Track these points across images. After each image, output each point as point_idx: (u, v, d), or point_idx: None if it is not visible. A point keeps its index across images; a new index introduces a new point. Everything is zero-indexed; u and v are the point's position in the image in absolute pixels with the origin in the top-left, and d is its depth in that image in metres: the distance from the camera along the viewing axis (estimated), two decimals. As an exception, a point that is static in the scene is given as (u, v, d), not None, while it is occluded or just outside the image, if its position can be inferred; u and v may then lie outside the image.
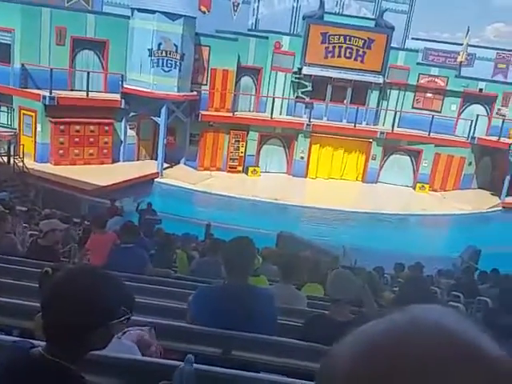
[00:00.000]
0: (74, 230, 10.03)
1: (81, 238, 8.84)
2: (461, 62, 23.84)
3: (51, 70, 18.02)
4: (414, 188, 23.79)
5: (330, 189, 22.60)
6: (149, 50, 19.30)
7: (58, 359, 1.45)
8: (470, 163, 23.78)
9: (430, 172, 23.72)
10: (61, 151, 18.65)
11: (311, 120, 22.97)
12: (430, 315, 0.55)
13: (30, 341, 1.60)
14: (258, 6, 26.44)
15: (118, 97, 19.72)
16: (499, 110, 23.68)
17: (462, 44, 24.93)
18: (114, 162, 20.05)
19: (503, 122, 22.68)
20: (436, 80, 24.05)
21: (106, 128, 19.57)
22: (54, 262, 5.53)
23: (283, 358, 2.80)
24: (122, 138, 20.47)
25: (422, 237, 19.12)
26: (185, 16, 19.41)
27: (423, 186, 23.56)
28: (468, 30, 24.99)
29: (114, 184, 17.24)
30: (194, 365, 1.87)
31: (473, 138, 23.12)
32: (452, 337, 0.52)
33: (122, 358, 2.24)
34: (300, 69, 23.38)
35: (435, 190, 23.67)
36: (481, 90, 23.77)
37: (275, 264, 6.98)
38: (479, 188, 24.16)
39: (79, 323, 1.45)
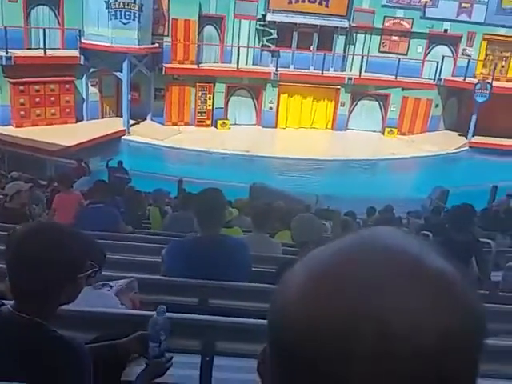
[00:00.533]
0: (42, 192, 9.83)
1: (48, 199, 8.69)
2: (425, 1, 23.61)
3: (5, 28, 17.17)
4: (383, 133, 23.96)
5: (300, 138, 22.60)
6: (105, 1, 18.45)
7: (28, 315, 1.43)
8: (436, 105, 23.99)
9: (397, 116, 23.87)
10: (22, 112, 17.99)
11: (278, 69, 22.60)
12: (378, 235, 0.55)
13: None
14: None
15: (76, 53, 18.94)
16: (464, 50, 23.75)
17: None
18: (77, 121, 19.44)
19: (468, 62, 22.84)
20: (401, 22, 23.84)
21: (67, 86, 18.87)
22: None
23: (258, 303, 2.85)
24: (84, 96, 19.79)
25: (392, 180, 19.44)
26: (141, -36, 18.56)
27: (391, 131, 23.76)
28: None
29: (79, 143, 16.84)
30: (170, 313, 1.88)
31: (439, 79, 23.21)
32: (398, 254, 0.52)
33: (95, 312, 2.24)
34: (264, 15, 22.79)
35: (403, 134, 23.90)
36: (446, 30, 23.71)
37: (248, 215, 7.02)
38: (446, 129, 24.47)
39: (45, 279, 1.42)
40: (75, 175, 10.40)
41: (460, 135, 23.53)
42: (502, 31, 23.34)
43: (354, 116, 24.19)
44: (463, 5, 24.91)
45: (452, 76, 23.47)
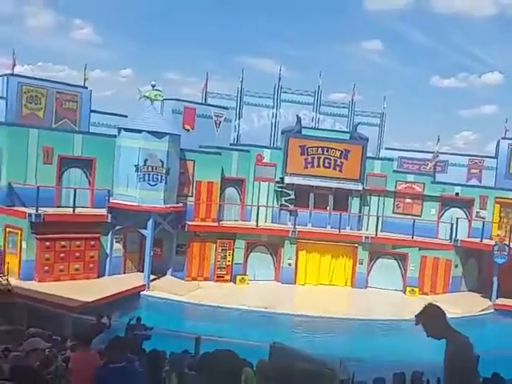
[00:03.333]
0: (59, 351, 9.56)
1: (65, 358, 8.41)
2: (435, 168, 25.00)
3: (38, 187, 18.25)
4: (404, 292, 23.62)
5: (319, 295, 22.34)
6: (135, 166, 19.75)
7: None
8: (456, 265, 23.90)
9: (418, 275, 23.75)
10: (46, 267, 18.26)
11: (296, 227, 23.36)
12: None
13: None
14: (238, 123, 28.00)
15: (104, 211, 19.88)
16: (478, 212, 24.36)
17: (433, 152, 26.39)
18: (99, 276, 19.66)
19: (483, 224, 23.25)
20: (413, 186, 25.00)
21: (92, 242, 19.44)
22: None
23: None
24: (108, 252, 20.28)
25: (416, 343, 18.52)
26: (170, 134, 20.23)
27: (413, 290, 23.41)
28: (438, 139, 26.62)
29: (99, 299, 16.78)
30: None
31: (456, 240, 23.52)
32: None
33: None
34: (282, 178, 24.21)
35: (425, 294, 23.47)
36: (457, 194, 24.67)
37: (269, 378, 6.70)
38: (469, 290, 24.07)
39: None
40: (94, 332, 10.20)
41: (483, 297, 23.03)
42: (513, 195, 24.16)
43: (373, 274, 24.15)
44: (472, 171, 26.34)
45: (468, 237, 23.79)
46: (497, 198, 24.28)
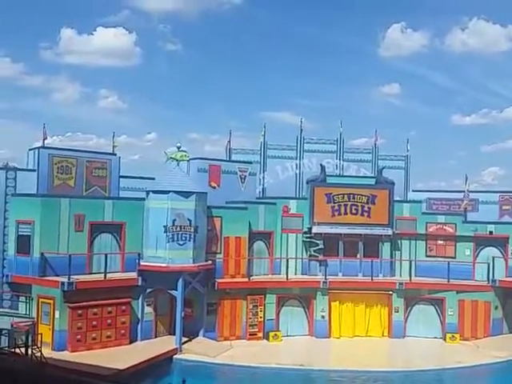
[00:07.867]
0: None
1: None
2: (465, 208, 24.55)
3: (70, 256, 18.67)
4: (445, 339, 22.71)
5: (356, 348, 21.71)
6: (164, 226, 19.97)
7: None
8: (496, 307, 23.00)
9: (457, 320, 22.89)
10: (78, 337, 18.27)
11: (327, 277, 23.03)
12: None
13: None
14: (263, 177, 28.35)
15: (134, 275, 20.10)
16: (513, 250, 23.66)
17: (462, 191, 26.01)
18: (131, 341, 19.63)
19: (520, 261, 22.53)
20: (444, 227, 24.52)
21: (124, 307, 19.50)
22: None
23: None
24: (140, 316, 20.27)
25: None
26: (196, 192, 20.54)
27: (453, 336, 22.51)
28: (466, 178, 26.30)
29: (132, 366, 16.67)
30: None
31: (493, 280, 22.75)
32: None
33: None
34: (310, 228, 24.13)
35: (467, 339, 22.54)
36: (491, 232, 24.07)
37: None
38: (510, 332, 23.09)
39: None
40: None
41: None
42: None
43: (410, 322, 23.42)
44: (504, 207, 25.75)
45: (506, 276, 23.01)
46: (531, 233, 23.59)
